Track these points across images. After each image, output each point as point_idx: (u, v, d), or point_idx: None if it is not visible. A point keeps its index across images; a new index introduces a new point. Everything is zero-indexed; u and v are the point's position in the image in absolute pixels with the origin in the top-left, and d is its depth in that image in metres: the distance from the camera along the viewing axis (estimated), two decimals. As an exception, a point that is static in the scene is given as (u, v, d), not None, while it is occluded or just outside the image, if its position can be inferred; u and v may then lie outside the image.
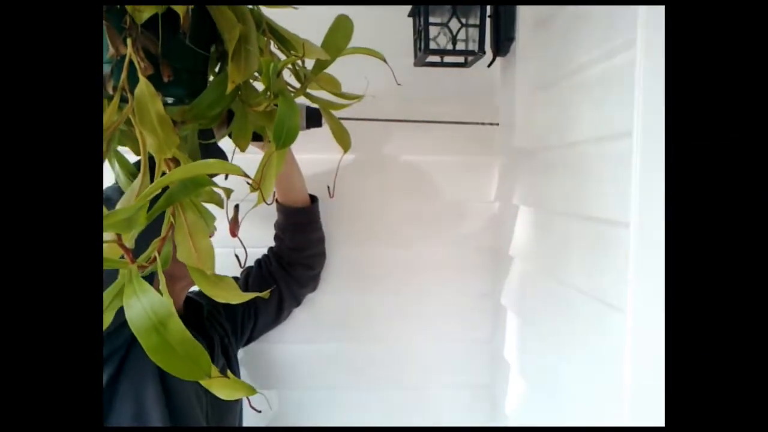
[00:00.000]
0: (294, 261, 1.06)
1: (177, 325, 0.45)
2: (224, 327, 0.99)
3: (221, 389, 0.51)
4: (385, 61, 0.75)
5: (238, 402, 0.98)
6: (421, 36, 0.95)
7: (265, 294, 0.50)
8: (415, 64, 1.01)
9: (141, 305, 0.46)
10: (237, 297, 0.51)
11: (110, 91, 0.53)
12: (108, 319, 0.53)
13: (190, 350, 0.46)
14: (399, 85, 0.80)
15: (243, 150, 0.72)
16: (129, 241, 0.53)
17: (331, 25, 0.68)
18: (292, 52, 0.66)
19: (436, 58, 1.01)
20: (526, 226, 0.99)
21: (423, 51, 0.93)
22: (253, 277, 1.05)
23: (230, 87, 0.58)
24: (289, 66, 0.67)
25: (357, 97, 0.69)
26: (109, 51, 0.54)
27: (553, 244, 0.84)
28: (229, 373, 0.51)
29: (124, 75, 0.53)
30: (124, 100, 0.54)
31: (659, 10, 0.50)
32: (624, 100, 0.58)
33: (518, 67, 0.92)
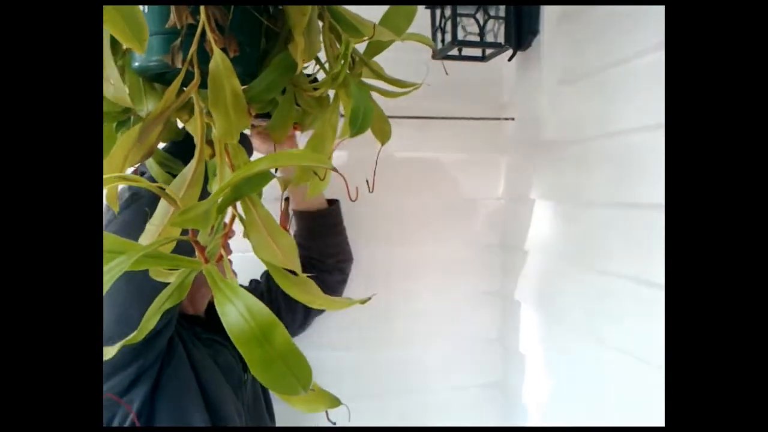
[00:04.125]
0: (327, 268, 1.01)
1: (282, 336, 0.40)
2: None
3: (303, 404, 0.46)
4: (432, 47, 0.73)
5: (269, 413, 0.91)
6: (444, 28, 0.93)
7: (363, 301, 0.45)
8: (435, 57, 0.98)
9: (237, 312, 0.40)
10: (329, 303, 0.45)
11: (177, 65, 0.47)
12: (149, 326, 0.47)
13: (294, 364, 0.41)
14: (447, 74, 0.77)
15: (280, 141, 0.67)
16: (203, 238, 0.47)
17: (391, 7, 0.64)
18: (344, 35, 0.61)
19: (454, 52, 0.99)
20: (548, 220, 0.98)
21: (451, 42, 0.90)
22: (276, 286, 0.97)
23: (300, 66, 0.53)
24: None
25: (414, 86, 0.65)
26: (170, 20, 0.48)
27: (591, 235, 0.84)
28: (315, 384, 0.46)
29: (194, 48, 0.47)
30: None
31: None
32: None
33: (544, 61, 0.92)
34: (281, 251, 0.46)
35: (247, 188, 0.47)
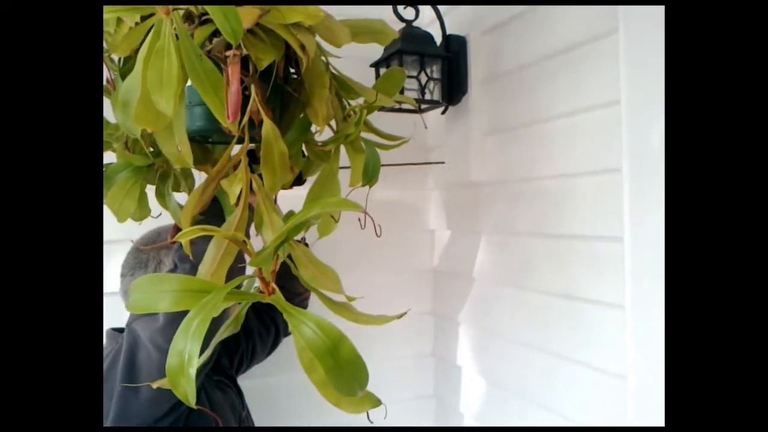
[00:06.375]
0: (296, 303, 1.06)
1: (348, 346, 0.49)
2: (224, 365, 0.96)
3: (352, 406, 0.55)
4: (419, 109, 0.87)
5: None
6: (389, 85, 1.08)
7: (399, 316, 0.56)
8: (380, 110, 1.13)
9: (311, 330, 0.50)
10: (371, 320, 0.56)
11: (234, 133, 0.56)
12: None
13: (356, 369, 0.50)
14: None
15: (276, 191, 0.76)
16: (267, 275, 0.56)
17: (385, 73, 0.78)
18: (344, 99, 0.74)
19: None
20: (476, 249, 1.15)
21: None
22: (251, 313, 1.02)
23: (321, 128, 0.64)
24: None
25: (403, 140, 0.77)
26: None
27: (525, 261, 1.01)
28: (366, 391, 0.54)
29: (245, 119, 0.56)
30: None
31: (641, 76, 0.71)
32: (612, 144, 0.78)
33: (472, 115, 1.10)
34: (328, 280, 0.56)
35: (294, 232, 0.57)
